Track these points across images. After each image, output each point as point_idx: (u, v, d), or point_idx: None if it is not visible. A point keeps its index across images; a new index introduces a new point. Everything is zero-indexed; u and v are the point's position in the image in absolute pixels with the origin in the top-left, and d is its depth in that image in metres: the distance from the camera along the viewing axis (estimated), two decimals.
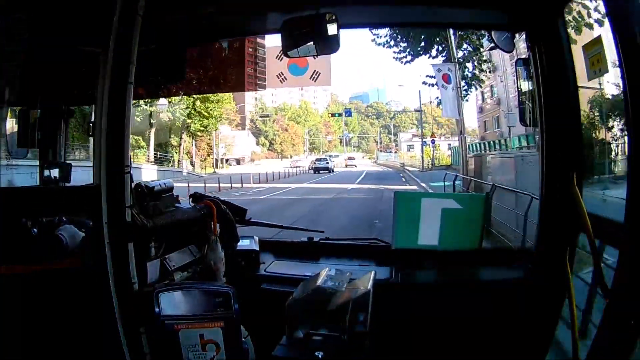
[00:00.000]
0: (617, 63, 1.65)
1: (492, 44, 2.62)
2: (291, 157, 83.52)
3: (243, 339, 2.00)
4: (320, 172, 49.30)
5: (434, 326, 2.50)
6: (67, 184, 2.97)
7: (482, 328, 2.46)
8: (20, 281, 1.97)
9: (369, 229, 12.27)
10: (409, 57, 22.19)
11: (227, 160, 65.64)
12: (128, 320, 1.88)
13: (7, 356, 1.96)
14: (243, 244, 2.83)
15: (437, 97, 22.56)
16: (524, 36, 2.45)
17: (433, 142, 49.87)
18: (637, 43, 1.56)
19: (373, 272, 2.22)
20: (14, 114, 3.02)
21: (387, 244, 2.97)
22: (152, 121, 40.14)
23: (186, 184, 19.32)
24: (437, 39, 21.08)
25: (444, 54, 21.10)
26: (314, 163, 55.51)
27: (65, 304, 1.97)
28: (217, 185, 27.06)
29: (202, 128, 46.16)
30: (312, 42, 2.28)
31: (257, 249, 2.92)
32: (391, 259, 2.84)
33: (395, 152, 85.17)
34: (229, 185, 28.53)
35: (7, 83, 2.45)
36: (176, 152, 46.23)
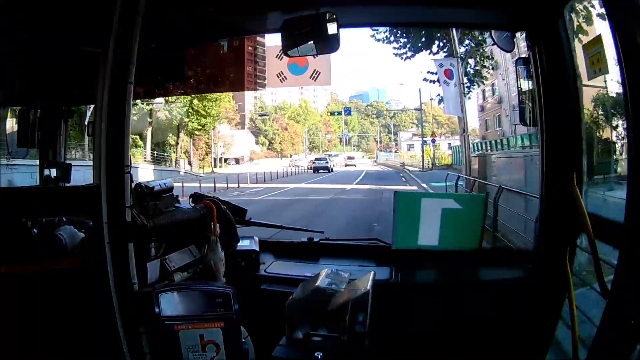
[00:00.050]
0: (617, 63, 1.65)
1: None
2: (291, 156, 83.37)
3: (243, 339, 2.01)
4: (320, 171, 49.19)
5: (433, 326, 2.50)
6: (67, 184, 2.97)
7: (482, 328, 2.46)
8: (20, 281, 1.97)
9: (368, 232, 11.73)
10: (409, 53, 21.85)
11: (226, 160, 65.42)
12: (128, 320, 1.87)
13: (7, 356, 1.96)
14: (243, 244, 2.83)
15: (439, 94, 21.90)
16: (524, 35, 2.45)
17: (433, 141, 49.38)
18: (637, 43, 1.56)
19: (372, 273, 2.23)
20: (14, 114, 3.03)
21: (387, 244, 2.97)
22: (149, 120, 39.92)
23: (181, 184, 19.07)
24: (438, 35, 20.69)
25: (445, 50, 20.65)
26: (314, 162, 55.22)
27: (65, 304, 1.97)
28: (212, 185, 26.48)
29: (199, 127, 45.70)
30: (312, 42, 2.28)
31: (257, 249, 2.92)
32: (391, 259, 2.84)
33: (395, 152, 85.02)
34: (225, 185, 28.06)
35: (7, 83, 2.45)
36: (174, 152, 45.90)
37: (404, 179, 33.32)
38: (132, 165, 1.93)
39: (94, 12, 2.00)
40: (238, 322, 1.88)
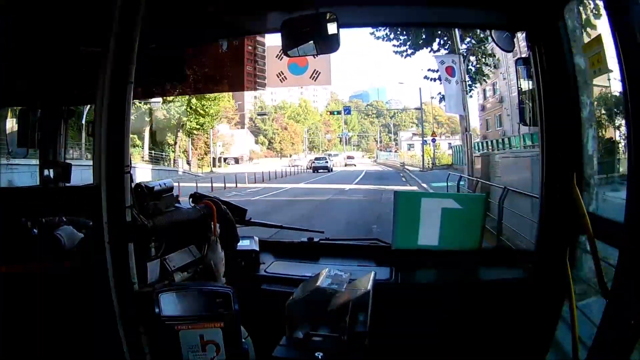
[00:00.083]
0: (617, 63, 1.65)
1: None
2: (290, 156, 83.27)
3: (243, 339, 2.01)
4: (319, 171, 49.12)
5: (433, 326, 2.50)
6: (67, 184, 2.97)
7: (482, 328, 2.46)
8: (21, 281, 1.97)
9: (367, 235, 11.15)
10: (409, 51, 21.49)
11: (225, 159, 65.35)
12: (128, 320, 1.87)
13: (7, 356, 1.96)
14: (243, 244, 2.83)
15: (440, 93, 21.66)
16: (524, 35, 2.46)
17: (434, 140, 49.24)
18: (637, 43, 1.56)
19: (373, 273, 2.22)
20: (14, 114, 3.03)
21: (387, 244, 2.97)
22: (146, 119, 39.71)
23: (177, 184, 18.69)
24: (439, 32, 20.33)
25: (446, 47, 20.29)
26: (313, 162, 55.08)
27: (65, 303, 1.97)
28: (209, 185, 26.38)
29: (197, 126, 45.52)
30: (312, 42, 2.27)
31: (257, 249, 2.92)
32: (391, 259, 2.84)
33: (395, 151, 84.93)
34: (223, 185, 27.96)
35: (7, 83, 2.45)
36: (172, 151, 45.62)
37: (404, 179, 32.98)
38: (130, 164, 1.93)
39: (94, 12, 2.00)
40: (238, 322, 1.89)
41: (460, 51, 18.61)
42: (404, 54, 21.44)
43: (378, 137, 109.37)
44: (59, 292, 1.97)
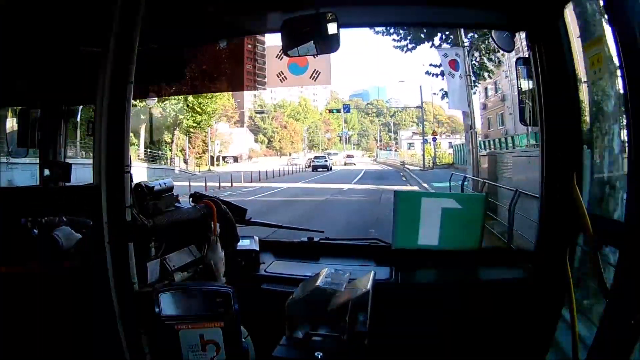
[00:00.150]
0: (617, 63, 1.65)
1: None
2: (290, 154, 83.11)
3: (243, 339, 2.01)
4: (319, 170, 49.01)
5: (433, 326, 2.50)
6: (67, 184, 2.97)
7: (482, 328, 2.46)
8: (21, 281, 1.98)
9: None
10: (410, 45, 20.38)
11: (224, 158, 65.18)
12: (128, 320, 1.88)
13: (7, 356, 1.96)
14: (243, 244, 2.83)
15: (442, 89, 20.75)
16: (524, 35, 2.46)
17: (434, 139, 48.74)
18: (637, 43, 1.56)
19: (373, 272, 2.22)
20: (14, 113, 3.03)
21: (387, 244, 2.97)
22: (142, 117, 39.34)
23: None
24: None
25: (448, 42, 19.18)
26: (312, 161, 54.84)
27: (65, 303, 1.97)
28: (204, 184, 24.91)
29: (194, 124, 44.95)
30: (312, 42, 2.27)
31: (257, 249, 2.92)
32: (391, 259, 2.84)
33: (395, 150, 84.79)
34: (217, 184, 27.09)
35: (7, 83, 2.45)
36: (169, 150, 45.20)
37: (404, 179, 32.52)
38: None
39: (94, 12, 2.00)
40: (238, 321, 1.89)
41: (464, 45, 17.52)
42: (404, 48, 20.44)
43: (378, 136, 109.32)
44: (59, 292, 1.97)
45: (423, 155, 47.99)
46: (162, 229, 2.14)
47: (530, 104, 2.52)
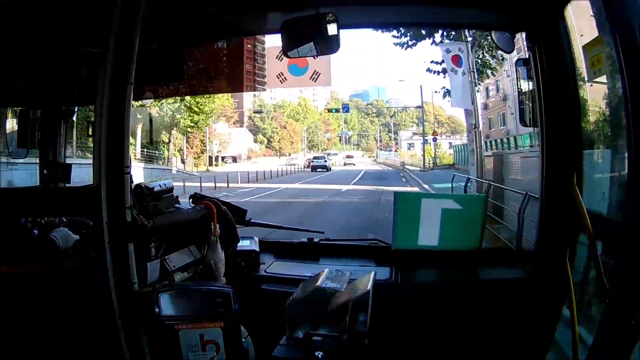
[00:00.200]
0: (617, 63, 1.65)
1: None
2: (289, 155, 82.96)
3: (243, 339, 2.01)
4: (318, 170, 48.91)
5: (433, 326, 2.50)
6: (67, 184, 2.97)
7: (482, 328, 2.46)
8: (21, 281, 1.98)
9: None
10: (410, 42, 19.40)
11: (223, 158, 65.00)
12: (128, 320, 1.88)
13: (7, 356, 1.96)
14: (243, 244, 2.83)
15: (444, 87, 20.04)
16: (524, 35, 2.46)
17: (435, 140, 48.38)
18: (637, 43, 1.56)
19: (373, 273, 2.22)
20: (14, 114, 3.03)
21: (387, 244, 2.98)
22: (138, 116, 38.94)
23: None
24: None
25: (450, 38, 18.21)
26: (312, 161, 54.62)
27: (66, 304, 1.97)
28: (199, 184, 24.51)
29: (192, 124, 44.46)
30: (312, 42, 2.27)
31: (257, 249, 2.92)
32: (391, 259, 2.84)
33: (395, 151, 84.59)
34: (213, 184, 26.56)
35: (7, 83, 2.45)
36: (167, 149, 44.71)
37: (404, 179, 32.18)
38: None
39: (94, 12, 2.00)
40: (238, 322, 1.89)
41: (467, 40, 16.64)
42: (405, 45, 19.51)
43: (378, 137, 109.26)
44: (59, 292, 1.97)
45: (423, 155, 47.75)
46: (162, 230, 2.14)
47: (530, 104, 2.52)
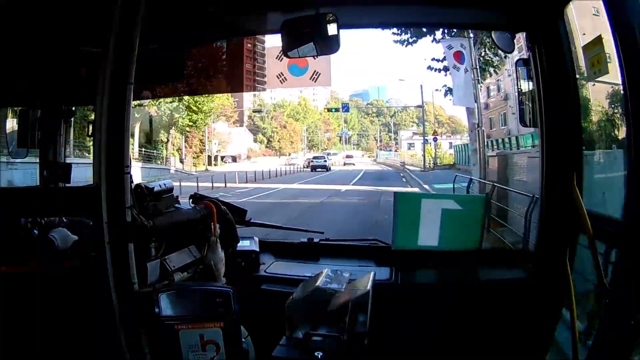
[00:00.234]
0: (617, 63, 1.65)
1: None
2: (289, 154, 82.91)
3: (243, 339, 2.01)
4: (317, 170, 48.89)
5: (433, 326, 2.50)
6: (67, 184, 2.97)
7: (482, 328, 2.46)
8: (21, 281, 1.98)
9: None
10: (411, 39, 18.66)
11: (222, 158, 64.93)
12: (128, 320, 1.88)
13: (7, 356, 1.96)
14: (243, 244, 2.83)
15: (445, 85, 19.16)
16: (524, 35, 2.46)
17: (435, 139, 48.65)
18: (637, 43, 1.56)
19: (373, 273, 2.22)
20: (14, 114, 3.03)
21: (387, 244, 2.98)
22: (136, 115, 38.64)
23: None
24: None
25: (451, 35, 17.22)
26: (311, 161, 54.61)
27: (66, 304, 1.97)
28: (195, 184, 24.11)
29: (190, 123, 44.25)
30: (312, 43, 2.27)
31: (257, 249, 2.92)
32: (391, 259, 2.84)
33: (395, 151, 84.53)
34: (210, 185, 26.28)
35: (7, 83, 2.45)
36: (165, 149, 44.51)
37: (404, 180, 31.93)
38: None
39: (94, 12, 2.00)
40: (238, 322, 1.89)
41: (470, 35, 15.81)
42: (405, 43, 18.79)
43: (378, 136, 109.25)
44: (59, 292, 1.97)
45: (424, 155, 47.56)
46: (162, 230, 2.14)
47: (530, 104, 2.52)
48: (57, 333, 1.97)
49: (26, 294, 1.97)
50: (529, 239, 7.27)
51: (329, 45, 2.26)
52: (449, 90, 18.03)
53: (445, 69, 17.14)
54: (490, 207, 9.44)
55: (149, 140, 41.55)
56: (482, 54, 17.71)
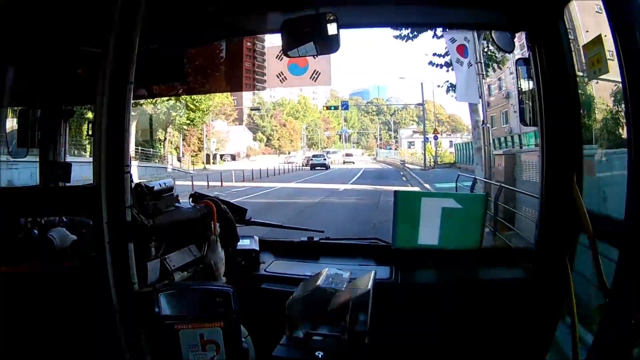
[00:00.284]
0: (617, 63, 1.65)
1: None
2: (289, 153, 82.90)
3: (243, 339, 2.01)
4: (317, 168, 48.88)
5: (434, 326, 2.50)
6: (67, 184, 2.97)
7: (482, 328, 2.47)
8: (21, 281, 1.98)
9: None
10: (411, 34, 17.77)
11: (221, 156, 64.85)
12: (128, 320, 1.88)
13: (7, 356, 1.96)
14: (243, 243, 2.83)
15: (447, 81, 18.67)
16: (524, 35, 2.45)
17: (436, 138, 48.38)
18: (637, 43, 1.56)
19: (373, 272, 2.22)
20: (14, 114, 3.03)
21: (387, 243, 2.98)
22: (133, 113, 38.13)
23: None
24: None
25: (453, 28, 17.31)
26: (311, 159, 54.67)
27: (66, 303, 1.98)
28: (190, 183, 23.53)
29: (188, 121, 43.88)
30: (312, 42, 2.27)
31: (257, 248, 2.92)
32: (391, 258, 2.84)
33: (396, 149, 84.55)
34: (206, 183, 25.77)
35: (7, 83, 2.45)
36: (162, 147, 44.11)
37: (404, 178, 31.57)
38: None
39: (94, 12, 2.00)
40: (238, 321, 1.89)
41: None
42: (406, 38, 17.90)
43: (378, 135, 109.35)
44: (59, 292, 1.97)
45: (424, 154, 47.41)
46: (162, 229, 2.14)
47: (530, 104, 2.52)
48: (57, 333, 1.97)
49: (26, 294, 1.98)
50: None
51: (329, 45, 2.26)
52: (451, 87, 17.64)
53: (447, 64, 16.61)
54: (497, 209, 9.26)
55: (146, 139, 41.22)
56: (485, 49, 16.68)
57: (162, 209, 2.24)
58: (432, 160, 46.38)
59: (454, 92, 16.69)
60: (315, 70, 4.35)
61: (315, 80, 4.40)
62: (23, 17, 2.16)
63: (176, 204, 2.39)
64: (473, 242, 2.74)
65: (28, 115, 2.95)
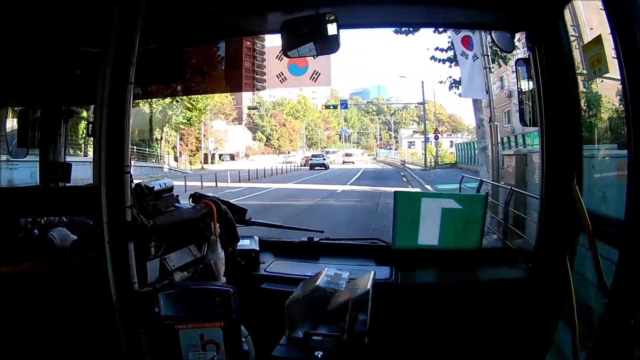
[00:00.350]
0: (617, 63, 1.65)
1: None
2: (288, 152, 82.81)
3: (243, 339, 2.01)
4: (316, 168, 48.84)
5: (433, 326, 2.50)
6: (67, 184, 2.97)
7: (482, 328, 2.47)
8: (21, 281, 1.98)
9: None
10: (412, 28, 15.72)
11: (220, 156, 64.70)
12: (128, 319, 1.88)
13: (7, 356, 1.96)
14: (243, 243, 2.83)
15: (450, 77, 17.26)
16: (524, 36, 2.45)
17: (437, 138, 48.09)
18: (637, 43, 1.56)
19: (373, 272, 2.23)
20: (14, 114, 3.02)
21: (387, 243, 2.98)
22: None
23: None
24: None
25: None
26: (310, 159, 54.57)
27: (66, 303, 1.98)
28: (183, 183, 22.52)
29: (184, 120, 43.69)
30: (312, 42, 2.27)
31: (257, 248, 2.92)
32: (391, 258, 2.84)
33: (396, 149, 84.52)
34: (199, 184, 24.85)
35: (7, 83, 2.45)
36: (159, 147, 43.62)
37: (405, 179, 31.07)
38: None
39: (94, 12, 2.00)
40: (238, 321, 1.89)
41: None
42: (406, 32, 16.28)
43: (378, 135, 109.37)
44: (59, 292, 1.97)
45: (425, 154, 47.22)
46: (162, 229, 2.14)
47: (530, 104, 2.52)
48: (57, 333, 1.97)
49: (26, 293, 1.98)
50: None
51: (329, 45, 2.26)
52: (455, 83, 16.54)
53: (450, 59, 15.77)
54: (507, 215, 8.95)
55: (143, 138, 40.84)
56: (490, 44, 16.21)
57: (162, 209, 2.24)
58: (432, 160, 46.30)
59: (457, 88, 15.64)
60: (315, 71, 4.36)
61: (315, 81, 4.40)
62: (23, 17, 2.16)
63: (176, 204, 2.39)
64: (473, 243, 2.74)
65: (28, 115, 2.95)
